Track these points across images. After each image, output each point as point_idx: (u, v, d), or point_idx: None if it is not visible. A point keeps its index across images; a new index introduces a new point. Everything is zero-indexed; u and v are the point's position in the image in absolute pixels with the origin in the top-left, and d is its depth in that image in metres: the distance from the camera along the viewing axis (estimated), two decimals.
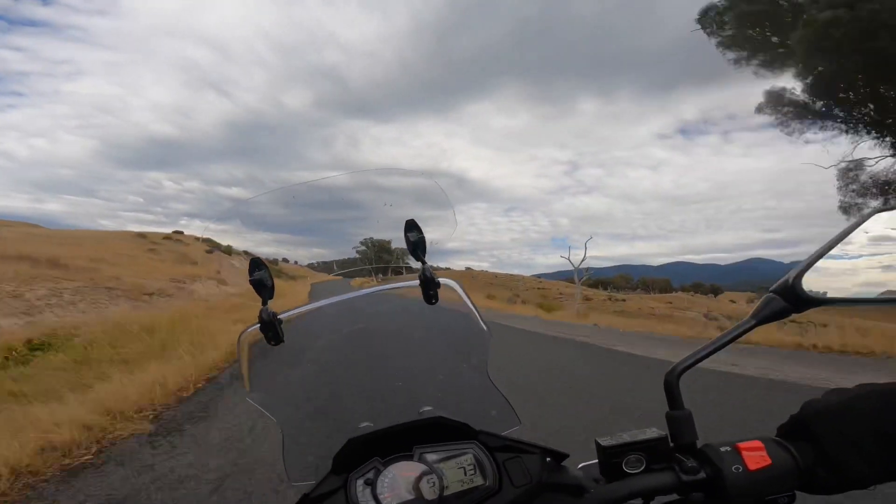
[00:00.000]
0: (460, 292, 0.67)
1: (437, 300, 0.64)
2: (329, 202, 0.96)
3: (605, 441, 0.53)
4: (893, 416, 0.44)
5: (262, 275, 0.60)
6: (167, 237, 37.23)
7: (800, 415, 0.49)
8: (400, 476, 0.55)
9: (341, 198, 0.98)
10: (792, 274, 0.52)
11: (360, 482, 0.54)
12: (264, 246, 0.95)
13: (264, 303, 0.60)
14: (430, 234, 0.75)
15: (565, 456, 0.57)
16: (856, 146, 13.93)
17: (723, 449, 0.48)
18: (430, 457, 0.56)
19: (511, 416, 0.66)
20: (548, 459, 0.56)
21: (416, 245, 0.64)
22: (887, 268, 0.54)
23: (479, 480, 0.55)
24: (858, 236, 0.53)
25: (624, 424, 2.41)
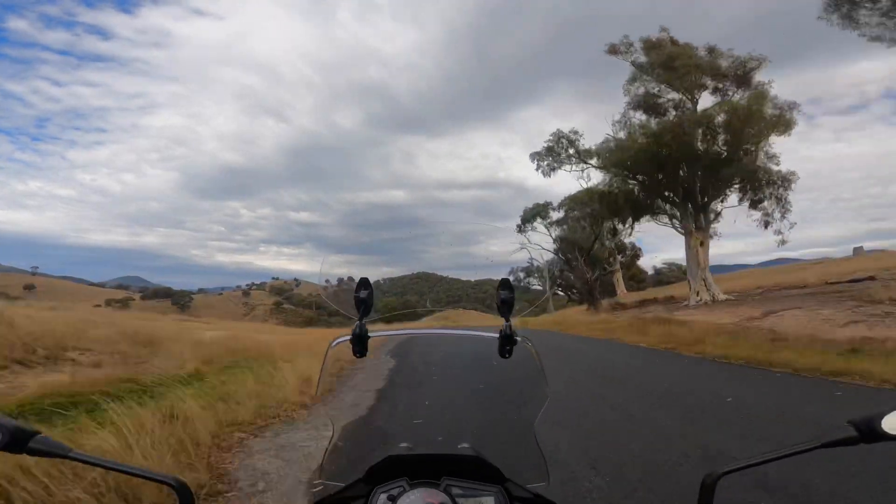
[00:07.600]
0: (533, 353, 0.69)
1: (510, 356, 0.66)
2: (391, 221, 0.98)
3: None
4: None
5: (366, 294, 0.65)
6: None
7: None
8: (421, 501, 0.56)
9: (406, 215, 1.01)
10: (879, 413, 0.56)
11: (384, 497, 0.57)
12: (337, 268, 0.99)
13: (360, 318, 0.65)
14: (492, 247, 0.78)
15: None
16: None
17: None
18: (455, 490, 0.58)
19: (542, 472, 0.67)
20: None
21: (505, 302, 0.66)
22: None
23: None
24: None
25: None
